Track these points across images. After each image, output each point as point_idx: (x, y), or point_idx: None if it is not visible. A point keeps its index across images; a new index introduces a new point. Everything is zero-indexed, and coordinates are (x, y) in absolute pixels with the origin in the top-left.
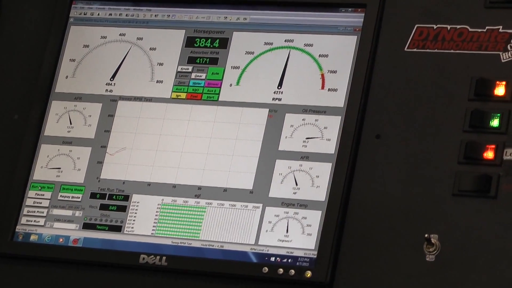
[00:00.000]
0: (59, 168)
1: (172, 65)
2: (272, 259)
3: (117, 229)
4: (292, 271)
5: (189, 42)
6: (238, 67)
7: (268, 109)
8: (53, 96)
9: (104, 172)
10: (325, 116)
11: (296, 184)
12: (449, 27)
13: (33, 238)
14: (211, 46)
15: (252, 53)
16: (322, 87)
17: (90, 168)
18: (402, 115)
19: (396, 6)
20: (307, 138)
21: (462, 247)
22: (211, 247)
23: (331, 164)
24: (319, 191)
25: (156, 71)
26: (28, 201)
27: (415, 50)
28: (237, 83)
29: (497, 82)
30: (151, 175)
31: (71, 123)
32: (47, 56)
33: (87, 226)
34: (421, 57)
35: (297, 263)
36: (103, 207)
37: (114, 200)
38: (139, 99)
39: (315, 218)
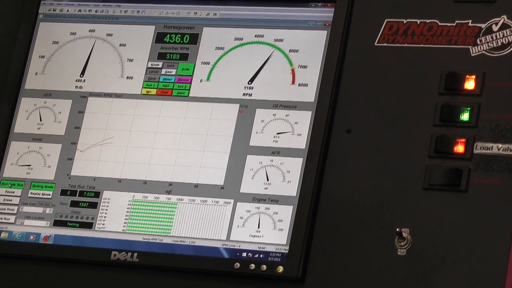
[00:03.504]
0: (29, 165)
1: (142, 61)
2: (244, 254)
3: (88, 225)
4: (264, 267)
5: (159, 38)
6: (208, 63)
7: (238, 105)
8: (23, 93)
9: (75, 168)
10: (296, 111)
11: (267, 179)
12: (418, 21)
13: (3, 235)
14: (181, 41)
15: (222, 48)
16: (293, 82)
17: (61, 165)
18: (373, 109)
19: (365, 0)
20: (278, 133)
21: (433, 241)
22: (182, 243)
23: (302, 159)
24: (290, 186)
25: (126, 67)
26: None
27: (385, 44)
28: (208, 79)
29: (467, 76)
30: (121, 171)
31: (41, 120)
32: (16, 53)
33: (58, 223)
34: (391, 52)
35: (269, 259)
36: (74, 204)
37: (84, 196)
38: (109, 95)
39: (286, 213)
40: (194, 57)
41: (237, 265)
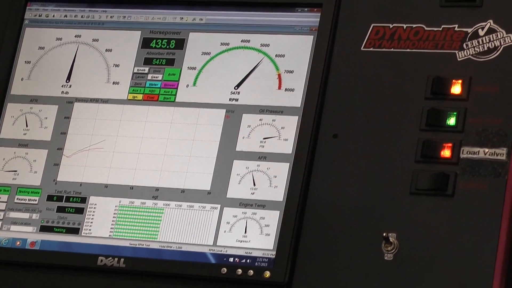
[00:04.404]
0: (15, 171)
1: (128, 66)
2: (231, 259)
3: (75, 231)
4: (251, 272)
5: (145, 43)
6: (194, 68)
7: (225, 110)
8: (9, 98)
9: (61, 174)
10: (282, 116)
11: (254, 184)
12: (405, 26)
13: None
14: (167, 47)
15: (209, 53)
16: (279, 87)
17: (47, 171)
18: (359, 114)
19: (352, 5)
20: (264, 138)
21: (420, 246)
22: (169, 248)
23: (288, 164)
24: (277, 191)
25: (112, 73)
26: None
27: (371, 49)
28: (194, 84)
29: (453, 80)
30: (108, 177)
31: (27, 126)
32: (2, 58)
33: (44, 229)
34: (377, 56)
35: (256, 264)
36: (60, 209)
37: (71, 202)
38: (96, 100)
39: (273, 218)
40: (180, 62)
41: (224, 270)
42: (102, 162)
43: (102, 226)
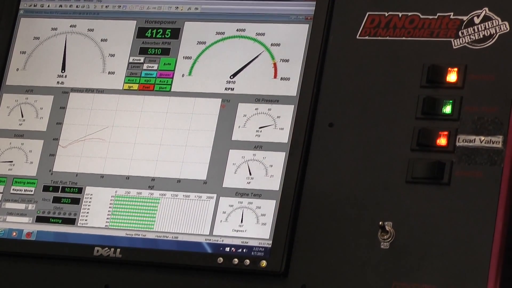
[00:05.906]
0: (11, 161)
1: (124, 56)
2: (227, 249)
3: (71, 221)
4: (247, 261)
5: (141, 32)
6: (190, 57)
7: (220, 99)
8: (4, 89)
9: (57, 164)
10: (278, 105)
11: (250, 173)
12: (400, 14)
13: None
14: (163, 36)
15: (204, 43)
16: (275, 76)
17: (43, 161)
18: (355, 103)
19: None
20: (260, 128)
21: (416, 234)
22: (165, 238)
23: (284, 153)
24: (273, 180)
25: (107, 63)
26: None
27: (367, 37)
28: (189, 73)
29: (449, 68)
30: (104, 167)
31: (22, 116)
32: None
33: (40, 219)
34: (373, 45)
35: (252, 253)
36: (56, 200)
37: (67, 192)
38: (91, 90)
39: (269, 207)
40: (176, 51)
41: (220, 259)
42: (98, 152)
43: (98, 216)
